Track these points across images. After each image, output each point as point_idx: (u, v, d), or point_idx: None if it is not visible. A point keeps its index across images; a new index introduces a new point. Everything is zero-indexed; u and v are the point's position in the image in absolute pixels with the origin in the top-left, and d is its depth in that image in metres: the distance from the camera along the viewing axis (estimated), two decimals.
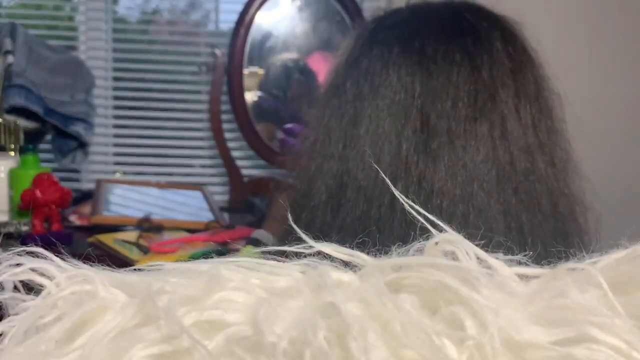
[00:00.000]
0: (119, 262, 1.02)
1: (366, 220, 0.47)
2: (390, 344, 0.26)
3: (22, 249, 0.37)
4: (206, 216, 1.39)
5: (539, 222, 0.46)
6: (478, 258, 0.32)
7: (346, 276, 0.32)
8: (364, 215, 0.47)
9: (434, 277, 0.30)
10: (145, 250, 1.04)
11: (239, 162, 1.76)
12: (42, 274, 0.36)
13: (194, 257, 1.02)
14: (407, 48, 0.50)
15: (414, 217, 0.35)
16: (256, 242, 0.80)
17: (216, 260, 0.33)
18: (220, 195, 1.76)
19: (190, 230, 1.27)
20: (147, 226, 1.19)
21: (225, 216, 1.50)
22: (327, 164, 0.50)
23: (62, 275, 0.36)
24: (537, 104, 0.50)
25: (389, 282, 0.32)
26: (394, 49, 0.50)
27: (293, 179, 0.55)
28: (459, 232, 0.34)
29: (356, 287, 0.31)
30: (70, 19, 1.81)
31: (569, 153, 0.51)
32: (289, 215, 0.40)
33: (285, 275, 0.31)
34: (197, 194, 1.57)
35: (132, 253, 1.06)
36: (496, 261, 0.32)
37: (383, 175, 0.46)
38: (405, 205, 0.36)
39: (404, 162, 0.47)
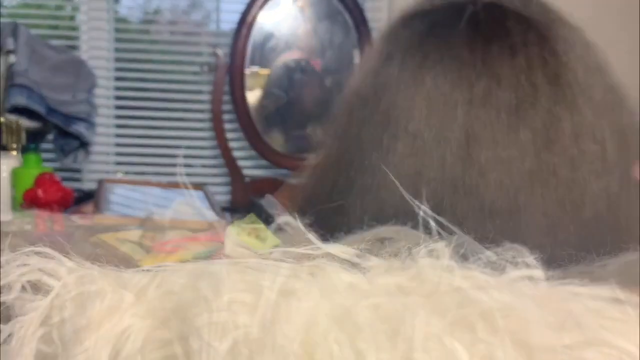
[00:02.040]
0: (122, 261, 1.02)
1: None
2: (401, 346, 0.26)
3: (29, 249, 0.36)
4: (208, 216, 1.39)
5: (586, 235, 0.44)
6: (488, 260, 0.32)
7: (356, 278, 0.32)
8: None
9: (445, 280, 0.30)
10: (148, 250, 1.04)
11: (241, 163, 1.76)
12: (49, 274, 0.36)
13: (198, 257, 1.02)
14: (443, 55, 0.48)
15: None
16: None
17: (225, 261, 0.33)
18: (222, 195, 1.76)
19: (193, 230, 1.27)
20: (150, 226, 1.18)
21: (227, 216, 1.50)
22: (361, 178, 0.47)
23: (69, 276, 0.36)
24: (577, 110, 0.47)
25: (399, 284, 0.31)
26: (429, 56, 0.48)
27: (315, 194, 0.52)
28: (511, 247, 0.32)
29: (367, 290, 0.31)
30: (72, 18, 1.81)
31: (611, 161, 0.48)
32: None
33: (295, 276, 0.31)
34: (199, 194, 1.56)
35: (135, 252, 1.06)
36: (506, 263, 0.32)
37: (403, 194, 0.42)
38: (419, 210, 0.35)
39: (450, 177, 0.44)
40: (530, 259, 0.31)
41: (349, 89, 0.52)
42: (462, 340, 0.26)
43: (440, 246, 0.33)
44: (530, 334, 0.26)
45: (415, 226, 0.40)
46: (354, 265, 0.34)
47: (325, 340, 0.27)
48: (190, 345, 0.28)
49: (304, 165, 0.56)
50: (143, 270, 0.36)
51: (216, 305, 0.28)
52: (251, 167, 1.79)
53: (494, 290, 0.28)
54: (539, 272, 0.31)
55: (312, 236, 0.34)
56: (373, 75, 0.50)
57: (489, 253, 0.32)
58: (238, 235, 0.35)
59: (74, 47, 1.75)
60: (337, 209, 0.47)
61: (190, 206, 0.38)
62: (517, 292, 0.29)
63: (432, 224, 0.34)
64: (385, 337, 0.27)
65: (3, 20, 1.56)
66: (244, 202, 1.72)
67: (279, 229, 0.34)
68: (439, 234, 0.34)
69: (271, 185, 1.72)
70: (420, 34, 0.50)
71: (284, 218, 0.34)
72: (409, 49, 0.49)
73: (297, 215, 0.38)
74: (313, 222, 0.39)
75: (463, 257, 0.33)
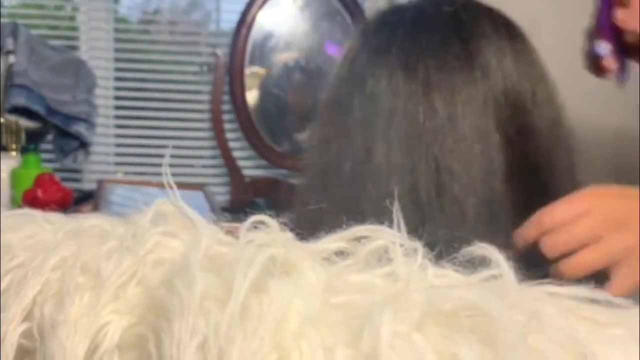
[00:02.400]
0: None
1: None
2: (367, 343, 0.26)
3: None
4: (208, 217, 1.39)
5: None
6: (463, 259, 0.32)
7: (330, 276, 0.32)
8: None
9: (416, 278, 0.30)
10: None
11: (240, 163, 1.76)
12: (35, 271, 0.37)
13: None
14: (410, 76, 0.49)
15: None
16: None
17: (202, 258, 0.33)
18: (222, 195, 1.76)
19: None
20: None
21: (227, 216, 1.50)
22: (340, 177, 0.49)
23: (52, 273, 0.36)
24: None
25: (372, 282, 0.32)
26: (397, 74, 0.49)
27: (299, 193, 0.53)
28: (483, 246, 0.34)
29: (340, 288, 0.31)
30: (72, 18, 1.82)
31: None
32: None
33: (268, 274, 0.31)
34: (199, 195, 1.57)
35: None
36: (479, 262, 0.32)
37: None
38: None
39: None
40: (502, 258, 0.31)
41: (331, 90, 0.53)
42: (429, 337, 0.27)
43: (415, 245, 0.33)
44: (496, 332, 0.27)
45: (392, 224, 0.41)
46: (331, 263, 0.35)
47: (295, 337, 0.28)
48: (162, 341, 0.28)
49: (299, 165, 0.57)
50: (124, 267, 0.36)
51: (188, 302, 0.28)
52: (251, 167, 1.79)
53: (462, 289, 0.29)
54: (509, 271, 0.31)
55: (288, 235, 0.35)
56: (347, 83, 0.50)
57: (463, 252, 0.33)
58: (217, 233, 0.35)
59: (74, 47, 1.75)
60: (317, 207, 0.48)
61: (173, 205, 0.38)
62: (486, 291, 0.29)
63: (402, 223, 0.34)
64: (353, 334, 0.27)
65: (3, 20, 1.56)
66: (244, 202, 1.73)
67: (254, 228, 0.35)
68: (414, 232, 0.34)
69: (271, 185, 1.73)
70: (391, 46, 0.50)
71: (257, 217, 0.34)
72: (380, 62, 0.49)
73: (276, 214, 0.38)
74: (295, 220, 0.40)
75: (438, 256, 0.34)
